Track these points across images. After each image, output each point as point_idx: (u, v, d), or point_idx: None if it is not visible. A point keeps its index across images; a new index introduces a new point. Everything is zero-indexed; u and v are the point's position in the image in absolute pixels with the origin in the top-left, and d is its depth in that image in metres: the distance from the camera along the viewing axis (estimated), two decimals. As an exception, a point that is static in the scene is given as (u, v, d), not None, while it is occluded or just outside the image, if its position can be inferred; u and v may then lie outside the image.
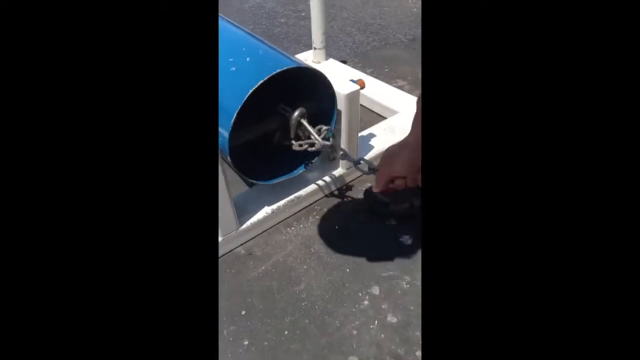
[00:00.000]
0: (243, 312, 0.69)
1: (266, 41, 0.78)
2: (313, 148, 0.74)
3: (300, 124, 0.74)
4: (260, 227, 0.83)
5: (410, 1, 1.94)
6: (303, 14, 1.87)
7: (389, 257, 0.77)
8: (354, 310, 0.69)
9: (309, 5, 1.92)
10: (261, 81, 0.63)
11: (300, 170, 0.83)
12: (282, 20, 1.82)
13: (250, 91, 0.63)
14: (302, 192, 0.86)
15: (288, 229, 0.85)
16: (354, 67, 1.35)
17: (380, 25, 1.73)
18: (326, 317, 0.68)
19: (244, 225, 0.80)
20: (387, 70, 1.40)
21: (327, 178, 0.89)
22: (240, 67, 0.69)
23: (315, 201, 0.90)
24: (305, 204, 0.88)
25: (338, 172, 0.91)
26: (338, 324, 0.67)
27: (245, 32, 0.81)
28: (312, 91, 0.79)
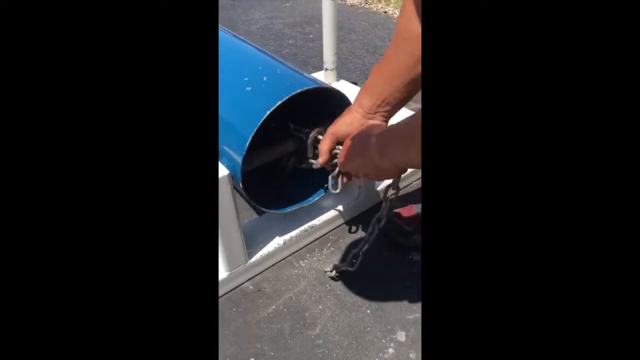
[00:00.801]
0: (251, 361, 0.61)
1: (283, 61, 0.73)
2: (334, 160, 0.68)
3: (317, 140, 0.68)
4: (270, 260, 0.75)
5: (418, 25, 1.94)
6: (311, 36, 1.86)
7: (414, 297, 0.69)
8: (377, 359, 0.61)
9: (316, 28, 1.91)
10: (280, 102, 0.58)
11: (316, 197, 0.77)
12: (291, 42, 1.81)
13: (268, 112, 0.57)
14: (316, 221, 0.79)
15: (300, 262, 0.77)
16: (365, 89, 1.31)
17: (389, 48, 1.71)
18: (346, 367, 0.60)
19: (253, 258, 0.72)
20: (399, 92, 1.36)
21: (342, 205, 0.83)
22: (257, 86, 0.63)
23: (330, 231, 0.83)
24: (319, 234, 0.81)
25: (355, 198, 0.84)
26: (360, 377, 0.59)
27: (261, 50, 0.77)
28: (330, 113, 0.73)
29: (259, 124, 0.58)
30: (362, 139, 0.54)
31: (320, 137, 0.67)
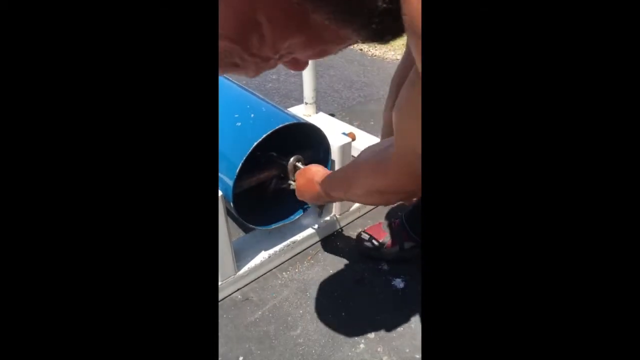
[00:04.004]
0: (240, 358, 0.70)
1: (267, 100, 0.86)
2: None
3: (296, 167, 0.80)
4: (256, 272, 0.85)
5: (391, 61, 2.14)
6: (292, 71, 2.02)
7: (382, 301, 0.80)
8: (350, 354, 0.70)
9: (299, 65, 2.05)
10: (264, 135, 0.70)
11: (298, 215, 0.88)
12: (274, 77, 1.96)
13: (255, 144, 0.69)
14: (298, 236, 0.90)
15: (284, 273, 0.87)
16: (342, 120, 1.45)
17: (364, 83, 1.89)
18: (323, 361, 0.69)
19: (241, 271, 0.82)
20: (372, 123, 1.51)
21: (321, 223, 0.94)
22: (245, 122, 0.76)
23: (310, 246, 0.93)
24: (300, 248, 0.92)
25: (332, 216, 0.96)
26: (335, 369, 0.68)
27: (248, 91, 0.90)
28: (308, 143, 0.86)
29: (247, 153, 0.70)
30: (308, 186, 0.68)
31: (298, 163, 0.80)
